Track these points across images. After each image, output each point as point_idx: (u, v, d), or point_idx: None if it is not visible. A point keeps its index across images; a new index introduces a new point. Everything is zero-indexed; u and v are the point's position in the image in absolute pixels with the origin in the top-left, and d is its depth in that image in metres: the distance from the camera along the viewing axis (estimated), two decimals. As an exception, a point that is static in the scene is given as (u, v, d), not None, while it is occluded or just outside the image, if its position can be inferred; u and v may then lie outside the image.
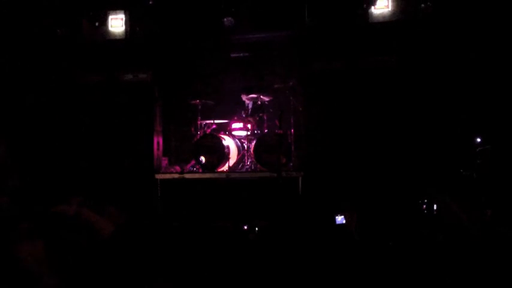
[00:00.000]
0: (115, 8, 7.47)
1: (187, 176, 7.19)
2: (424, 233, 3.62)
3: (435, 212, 4.91)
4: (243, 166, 7.64)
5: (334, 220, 4.33)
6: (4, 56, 7.23)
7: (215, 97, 7.94)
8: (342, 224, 4.30)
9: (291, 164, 7.29)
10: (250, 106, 7.76)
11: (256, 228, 4.75)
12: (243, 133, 7.66)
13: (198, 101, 7.70)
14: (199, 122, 7.74)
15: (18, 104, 7.45)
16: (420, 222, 3.81)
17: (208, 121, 7.79)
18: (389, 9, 6.95)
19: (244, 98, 7.78)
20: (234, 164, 7.68)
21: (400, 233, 3.72)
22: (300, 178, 6.80)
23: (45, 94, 7.60)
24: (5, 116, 7.34)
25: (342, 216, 4.24)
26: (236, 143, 7.74)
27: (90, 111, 7.54)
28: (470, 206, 4.66)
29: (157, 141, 7.61)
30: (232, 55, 8.19)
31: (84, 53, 7.60)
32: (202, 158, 7.22)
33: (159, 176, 7.28)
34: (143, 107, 7.49)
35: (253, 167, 7.42)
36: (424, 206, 5.06)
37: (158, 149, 7.62)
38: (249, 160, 7.56)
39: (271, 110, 7.77)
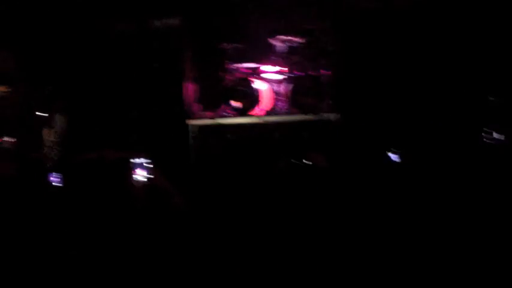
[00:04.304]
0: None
1: (220, 121, 7.13)
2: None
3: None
4: (276, 109, 7.51)
5: (389, 157, 4.24)
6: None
7: (246, 41, 7.74)
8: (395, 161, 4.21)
9: (327, 107, 7.16)
10: (282, 49, 7.56)
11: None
12: (276, 76, 7.50)
13: (227, 44, 7.52)
14: (230, 67, 7.59)
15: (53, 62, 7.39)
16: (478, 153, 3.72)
17: (239, 65, 7.64)
18: None
19: (275, 40, 7.58)
20: (267, 107, 7.56)
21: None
22: (337, 120, 6.70)
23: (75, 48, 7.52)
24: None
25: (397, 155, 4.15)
26: (269, 87, 7.60)
27: (120, 61, 7.47)
28: None
29: (188, 87, 7.51)
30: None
31: (111, 1, 7.48)
32: (235, 103, 7.13)
33: (190, 122, 7.23)
34: (173, 53, 7.40)
35: (287, 111, 7.30)
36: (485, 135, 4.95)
37: (189, 94, 7.54)
38: (283, 103, 7.42)
39: (304, 52, 7.57)
